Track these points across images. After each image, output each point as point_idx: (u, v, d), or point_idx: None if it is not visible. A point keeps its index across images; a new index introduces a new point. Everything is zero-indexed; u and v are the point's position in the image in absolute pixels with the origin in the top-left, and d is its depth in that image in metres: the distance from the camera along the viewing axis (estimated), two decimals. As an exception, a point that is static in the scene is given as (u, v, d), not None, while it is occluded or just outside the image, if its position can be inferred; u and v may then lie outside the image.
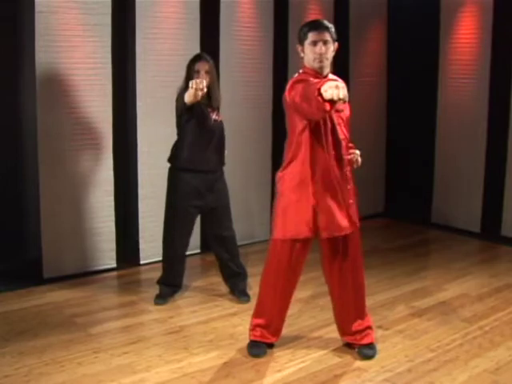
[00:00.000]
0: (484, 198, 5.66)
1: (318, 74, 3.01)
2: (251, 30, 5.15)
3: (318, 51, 2.97)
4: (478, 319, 3.75)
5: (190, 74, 3.74)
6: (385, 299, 4.09)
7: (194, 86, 3.39)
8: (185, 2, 4.70)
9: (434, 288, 4.32)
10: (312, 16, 5.53)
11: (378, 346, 3.31)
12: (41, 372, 3.03)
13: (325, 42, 2.98)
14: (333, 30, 3.04)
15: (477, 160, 5.65)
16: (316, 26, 3.01)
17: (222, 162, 3.94)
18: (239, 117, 5.06)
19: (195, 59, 3.79)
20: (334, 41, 3.04)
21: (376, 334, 3.39)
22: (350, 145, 3.25)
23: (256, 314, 3.30)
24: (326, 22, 3.04)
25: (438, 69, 5.89)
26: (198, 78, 3.68)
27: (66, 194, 4.33)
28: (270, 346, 3.31)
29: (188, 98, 3.55)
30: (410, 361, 3.20)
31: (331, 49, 3.02)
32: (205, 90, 3.46)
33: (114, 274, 4.55)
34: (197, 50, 4.58)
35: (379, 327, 3.59)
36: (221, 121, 3.88)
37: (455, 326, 3.64)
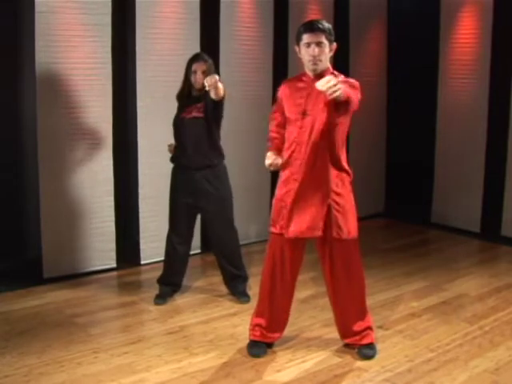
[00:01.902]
0: (484, 197, 5.66)
1: (311, 75, 3.06)
2: (251, 30, 5.15)
3: (311, 53, 2.98)
4: (478, 319, 3.75)
5: (188, 73, 3.75)
6: (385, 299, 4.09)
7: (209, 83, 3.37)
8: (185, 2, 4.70)
9: (433, 288, 4.32)
10: (312, 16, 5.53)
11: (378, 346, 3.31)
12: (41, 372, 3.03)
13: (318, 44, 2.97)
14: (329, 30, 3.01)
15: (477, 160, 5.65)
16: (310, 27, 3.00)
17: (207, 161, 3.80)
18: (239, 117, 5.06)
19: (193, 59, 3.79)
20: (330, 42, 3.02)
21: (376, 334, 3.39)
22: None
23: (256, 314, 3.31)
24: (321, 23, 3.00)
25: (438, 69, 5.89)
26: (195, 78, 3.73)
27: (65, 193, 4.33)
28: (270, 345, 3.31)
29: (215, 96, 3.52)
30: (409, 361, 3.20)
31: (326, 50, 3.00)
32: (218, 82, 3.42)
33: (114, 274, 4.55)
34: (197, 49, 4.58)
35: (379, 327, 3.59)
36: (193, 117, 3.76)
37: (455, 326, 3.64)
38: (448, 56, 5.81)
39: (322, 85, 2.68)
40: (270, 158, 3.16)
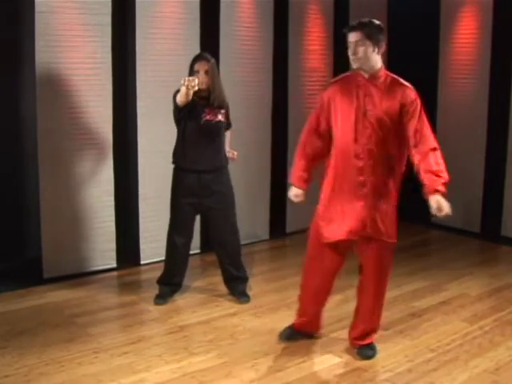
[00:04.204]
0: (484, 197, 5.66)
1: (359, 73, 3.04)
2: (251, 30, 5.15)
3: (349, 53, 3.01)
4: (478, 319, 3.75)
5: (191, 74, 3.72)
6: (385, 299, 4.08)
7: (186, 83, 3.38)
8: (185, 2, 4.70)
9: (433, 288, 4.32)
10: (312, 16, 5.55)
11: (378, 346, 3.31)
12: (41, 372, 3.03)
13: (356, 44, 2.97)
14: (369, 27, 2.96)
15: (477, 160, 5.65)
16: (350, 28, 3.01)
17: (218, 163, 3.85)
18: (239, 117, 5.04)
19: (195, 59, 3.78)
20: (372, 39, 2.96)
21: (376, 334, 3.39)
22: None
23: (297, 312, 3.40)
24: (359, 21, 2.99)
25: (438, 69, 5.89)
26: (198, 78, 3.67)
27: (66, 194, 4.33)
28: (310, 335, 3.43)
29: (180, 98, 3.55)
30: (409, 361, 3.20)
31: (362, 48, 2.96)
32: (196, 88, 3.43)
33: (114, 274, 4.55)
34: (197, 50, 4.58)
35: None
36: (218, 121, 3.81)
37: (455, 326, 3.64)
38: (448, 56, 5.81)
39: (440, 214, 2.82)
40: (293, 192, 3.28)
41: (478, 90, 5.58)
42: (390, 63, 6.34)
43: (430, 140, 2.96)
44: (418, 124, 2.96)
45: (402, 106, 2.97)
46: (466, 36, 5.64)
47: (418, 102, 2.99)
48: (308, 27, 5.54)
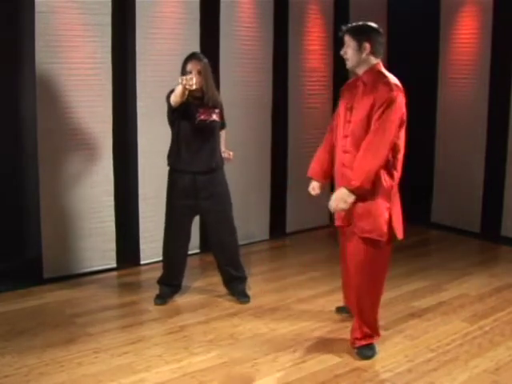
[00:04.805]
0: (484, 198, 5.66)
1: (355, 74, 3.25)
2: (251, 30, 5.15)
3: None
4: (478, 319, 3.75)
5: (183, 74, 3.70)
6: (385, 299, 4.05)
7: (184, 82, 3.38)
8: (185, 2, 4.70)
9: (434, 288, 4.32)
10: (312, 16, 5.55)
11: (378, 346, 3.31)
12: (41, 372, 3.03)
13: (345, 45, 3.15)
14: (353, 29, 3.13)
15: (477, 160, 5.65)
16: (341, 32, 3.18)
17: (213, 164, 3.81)
18: (239, 117, 5.06)
19: (187, 59, 3.75)
20: (356, 39, 3.10)
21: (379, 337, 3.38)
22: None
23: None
24: (348, 25, 3.17)
25: (438, 69, 5.90)
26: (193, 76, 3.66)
27: (65, 193, 4.33)
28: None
29: (174, 97, 3.54)
30: (409, 361, 3.20)
31: (348, 49, 3.13)
32: (194, 86, 3.43)
33: (114, 274, 4.55)
34: (197, 49, 4.57)
35: (379, 327, 3.59)
36: (212, 120, 3.78)
37: (455, 326, 3.64)
38: (448, 56, 5.81)
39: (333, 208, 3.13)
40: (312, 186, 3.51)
41: (477, 89, 5.59)
42: (390, 63, 6.35)
43: (371, 138, 3.06)
44: (376, 122, 3.06)
45: (374, 103, 3.04)
46: (466, 36, 5.64)
47: (389, 101, 3.03)
48: (308, 27, 5.55)
